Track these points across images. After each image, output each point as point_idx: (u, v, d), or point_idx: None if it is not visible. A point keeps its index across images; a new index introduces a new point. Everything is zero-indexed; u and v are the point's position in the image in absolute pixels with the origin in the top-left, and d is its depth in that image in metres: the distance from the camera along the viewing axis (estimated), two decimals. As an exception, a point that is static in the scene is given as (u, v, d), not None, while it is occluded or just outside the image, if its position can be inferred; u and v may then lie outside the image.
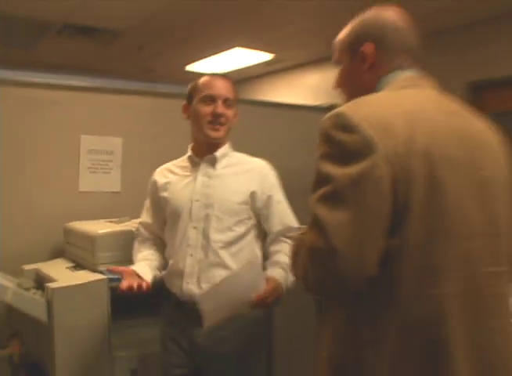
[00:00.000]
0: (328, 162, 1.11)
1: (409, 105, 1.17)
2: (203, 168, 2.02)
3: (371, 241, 1.08)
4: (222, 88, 2.00)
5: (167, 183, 2.06)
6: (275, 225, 2.03)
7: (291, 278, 1.88)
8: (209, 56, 6.15)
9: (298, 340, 2.96)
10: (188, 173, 2.05)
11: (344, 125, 1.11)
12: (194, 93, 2.01)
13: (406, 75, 1.30)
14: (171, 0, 4.19)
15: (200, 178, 2.00)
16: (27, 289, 2.09)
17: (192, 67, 6.71)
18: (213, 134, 1.98)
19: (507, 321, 1.19)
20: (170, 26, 4.97)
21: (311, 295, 1.35)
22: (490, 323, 1.15)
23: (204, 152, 2.03)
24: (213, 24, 4.92)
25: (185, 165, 2.08)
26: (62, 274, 2.19)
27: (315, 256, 1.10)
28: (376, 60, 1.31)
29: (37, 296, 2.04)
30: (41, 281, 2.19)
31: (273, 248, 2.05)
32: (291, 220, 2.07)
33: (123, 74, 6.93)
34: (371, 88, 1.30)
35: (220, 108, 1.97)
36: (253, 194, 1.99)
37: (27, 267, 2.33)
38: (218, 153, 2.02)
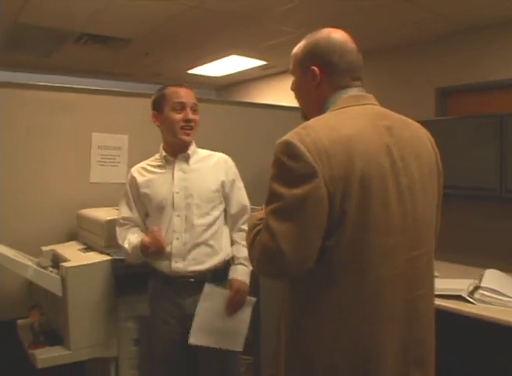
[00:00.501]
0: (279, 183, 1.21)
1: (348, 128, 1.23)
2: (178, 164, 2.10)
3: (311, 245, 1.19)
4: (189, 97, 2.08)
5: (147, 181, 2.11)
6: (234, 208, 2.18)
7: (252, 267, 1.99)
8: (208, 62, 6.16)
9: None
10: (164, 170, 2.11)
11: (293, 153, 1.19)
12: (163, 102, 2.06)
13: (349, 94, 1.35)
14: (175, 12, 4.22)
15: (177, 173, 2.08)
16: (45, 267, 2.14)
17: (193, 71, 6.73)
18: (186, 138, 2.06)
19: (428, 289, 1.36)
20: (174, 35, 4.99)
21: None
22: (415, 293, 1.30)
23: (177, 151, 2.10)
24: (212, 34, 4.94)
25: (159, 164, 2.13)
26: (74, 255, 2.25)
27: (266, 253, 1.21)
28: (322, 80, 1.36)
29: (53, 274, 2.10)
30: (56, 261, 2.24)
31: (234, 237, 2.20)
32: (246, 202, 2.23)
33: (132, 78, 6.95)
34: (319, 103, 1.37)
35: (190, 114, 2.05)
36: (222, 183, 2.13)
37: (44, 248, 2.39)
38: (190, 151, 2.11)
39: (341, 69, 1.36)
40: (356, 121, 1.28)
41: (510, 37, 4.47)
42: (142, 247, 2.00)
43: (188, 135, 2.06)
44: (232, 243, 2.19)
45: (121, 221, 2.15)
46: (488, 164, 2.51)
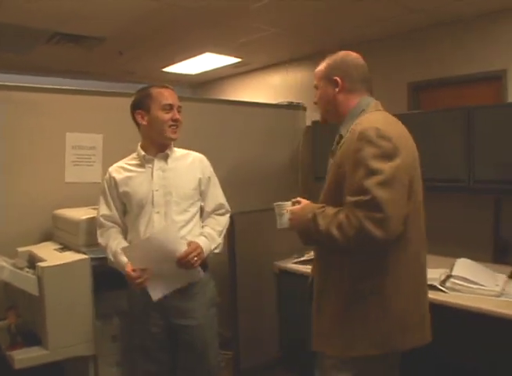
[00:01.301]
0: (376, 160, 1.53)
1: (396, 126, 1.68)
2: (157, 163, 2.16)
3: (405, 212, 1.56)
4: (175, 98, 2.17)
5: (126, 178, 2.15)
6: (210, 205, 2.27)
7: (214, 245, 2.19)
8: (183, 59, 6.15)
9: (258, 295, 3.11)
10: (142, 169, 2.16)
11: (383, 135, 1.56)
12: (149, 102, 2.12)
13: (368, 101, 1.77)
14: (148, 10, 4.20)
15: (156, 172, 2.14)
16: (21, 268, 2.13)
17: (168, 69, 6.70)
18: (173, 136, 2.16)
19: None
20: (147, 33, 4.96)
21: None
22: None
23: (156, 150, 2.17)
24: (186, 32, 4.93)
25: (137, 163, 2.18)
26: (50, 255, 2.23)
27: (371, 223, 1.48)
28: (343, 88, 1.76)
29: (29, 274, 2.08)
30: (32, 261, 2.23)
31: (203, 224, 2.26)
32: (222, 199, 2.33)
33: (106, 77, 6.89)
34: (339, 108, 1.78)
35: (177, 115, 2.15)
36: (199, 180, 2.22)
37: (20, 249, 2.36)
38: (169, 150, 2.19)
39: (358, 80, 1.77)
40: (395, 122, 1.71)
41: (479, 32, 4.56)
42: (127, 275, 2.02)
43: (175, 133, 2.15)
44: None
45: (101, 219, 2.17)
46: (457, 155, 2.57)
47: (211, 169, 2.31)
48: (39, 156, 2.63)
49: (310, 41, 5.37)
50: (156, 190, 2.11)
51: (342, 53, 1.81)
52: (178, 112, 2.16)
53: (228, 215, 2.36)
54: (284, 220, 1.85)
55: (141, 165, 2.17)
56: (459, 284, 2.31)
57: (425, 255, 1.75)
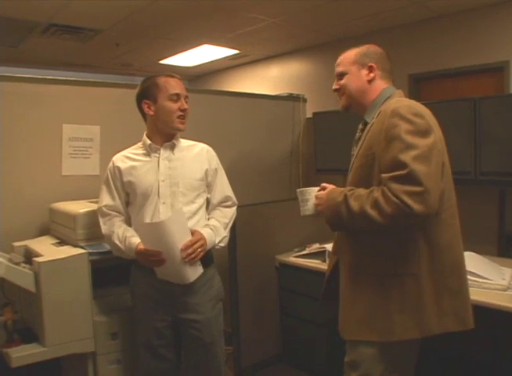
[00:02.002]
0: (412, 135, 1.54)
1: (427, 109, 1.67)
2: (164, 153, 2.10)
3: (441, 185, 1.59)
4: (183, 88, 2.11)
5: (130, 168, 2.08)
6: (216, 196, 2.21)
7: (219, 238, 2.12)
8: (180, 52, 6.09)
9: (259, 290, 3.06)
10: (148, 158, 2.09)
11: (416, 112, 1.58)
12: (157, 92, 2.05)
13: (394, 89, 1.81)
14: (145, 1, 4.14)
15: (163, 162, 2.08)
16: (18, 263, 2.07)
17: (165, 62, 6.63)
18: (181, 126, 2.09)
19: None
20: (144, 25, 4.91)
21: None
22: None
23: (162, 140, 2.10)
24: (183, 24, 4.88)
25: (142, 152, 2.12)
26: (47, 249, 2.18)
27: (411, 197, 1.47)
28: (376, 75, 1.79)
29: (26, 269, 2.03)
30: (29, 256, 2.17)
31: (209, 216, 2.20)
32: (229, 191, 2.26)
33: (103, 69, 6.83)
34: (369, 94, 1.79)
35: (185, 104, 2.09)
36: (206, 171, 2.16)
37: (16, 244, 2.32)
38: (175, 140, 2.13)
39: (387, 69, 1.83)
40: (424, 106, 1.68)
41: (480, 24, 4.52)
42: (139, 254, 1.97)
43: (183, 123, 2.09)
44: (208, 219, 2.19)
45: (104, 209, 2.10)
46: (463, 147, 2.52)
47: (218, 161, 2.26)
48: (35, 148, 2.57)
49: (308, 32, 5.31)
50: (163, 181, 2.05)
51: (369, 45, 1.85)
52: (186, 102, 2.10)
53: (234, 208, 2.28)
54: (309, 206, 1.79)
55: (146, 154, 2.10)
56: (466, 278, 2.27)
57: (461, 243, 1.76)
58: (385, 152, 1.58)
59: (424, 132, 1.55)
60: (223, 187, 2.24)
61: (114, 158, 2.15)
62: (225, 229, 2.17)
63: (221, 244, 2.16)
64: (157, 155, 2.09)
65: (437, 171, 1.55)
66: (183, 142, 2.18)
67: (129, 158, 2.12)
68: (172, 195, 2.05)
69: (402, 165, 1.50)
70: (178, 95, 2.06)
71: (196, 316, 2.05)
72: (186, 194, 2.07)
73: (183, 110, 2.07)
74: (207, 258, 2.07)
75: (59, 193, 2.54)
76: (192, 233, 1.99)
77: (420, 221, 1.56)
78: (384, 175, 1.56)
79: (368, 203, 1.56)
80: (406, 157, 1.50)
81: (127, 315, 2.22)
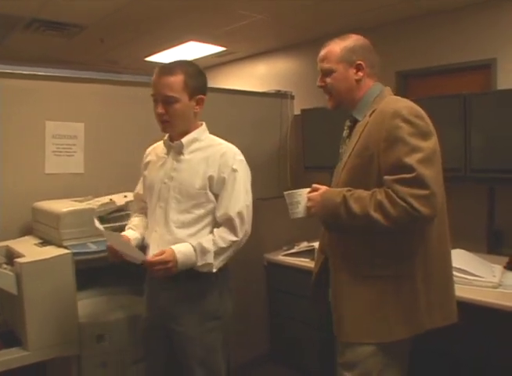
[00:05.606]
0: (415, 138, 1.52)
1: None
2: (173, 152, 1.92)
3: (443, 187, 1.59)
4: (162, 87, 1.79)
5: (149, 162, 2.02)
6: (220, 210, 1.85)
7: (201, 262, 1.78)
8: (166, 48, 6.02)
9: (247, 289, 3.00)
10: (164, 155, 1.96)
11: (418, 114, 1.57)
12: None
13: (384, 87, 1.77)
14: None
15: (170, 161, 1.92)
16: (-2, 265, 1.99)
17: (151, 59, 6.55)
18: (163, 131, 1.91)
19: None
20: (129, 21, 4.84)
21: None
22: None
23: (176, 137, 1.91)
24: (168, 20, 4.81)
25: (164, 147, 1.98)
26: (30, 250, 2.10)
27: (419, 200, 1.46)
28: (365, 73, 1.73)
29: (7, 271, 1.95)
30: (11, 257, 2.09)
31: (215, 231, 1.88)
32: (233, 211, 1.83)
33: (87, 66, 6.72)
34: (357, 91, 1.74)
35: (159, 108, 1.81)
36: (210, 178, 1.84)
37: (-3, 244, 2.23)
38: (184, 139, 1.88)
39: (374, 64, 1.76)
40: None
41: (468, 22, 4.52)
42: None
43: (164, 128, 1.87)
44: None
45: (134, 197, 2.18)
46: (453, 144, 2.49)
47: (236, 166, 1.86)
48: (17, 146, 2.48)
49: (296, 29, 5.28)
50: (165, 183, 1.88)
51: (355, 36, 1.77)
52: (169, 103, 1.79)
53: (237, 239, 1.85)
54: (300, 209, 1.71)
55: (165, 151, 1.96)
56: (456, 276, 2.23)
57: (449, 239, 1.75)
58: (387, 153, 1.55)
59: (426, 134, 1.55)
60: (228, 203, 1.83)
61: (150, 148, 2.09)
62: (215, 255, 1.79)
63: (204, 270, 1.80)
64: (170, 153, 1.93)
65: (439, 174, 1.56)
66: (203, 141, 1.92)
67: (154, 150, 2.04)
68: (168, 200, 1.87)
69: (409, 168, 1.49)
70: (154, 96, 1.82)
71: (176, 326, 1.87)
72: (181, 202, 1.84)
73: (158, 115, 1.83)
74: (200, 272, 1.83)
75: (42, 192, 2.45)
76: (165, 250, 1.76)
77: (425, 224, 1.57)
78: (387, 178, 1.54)
79: (371, 205, 1.53)
80: (412, 160, 1.49)
81: (112, 316, 2.15)
